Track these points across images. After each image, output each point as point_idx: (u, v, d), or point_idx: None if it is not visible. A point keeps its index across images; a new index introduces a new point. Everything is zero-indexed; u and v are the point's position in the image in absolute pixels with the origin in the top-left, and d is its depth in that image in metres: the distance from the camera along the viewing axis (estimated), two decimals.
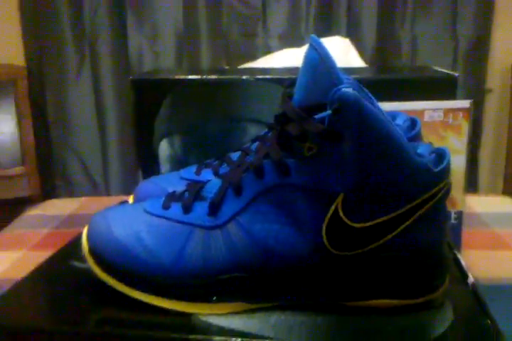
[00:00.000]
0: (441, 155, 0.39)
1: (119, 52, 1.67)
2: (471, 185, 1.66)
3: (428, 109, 0.58)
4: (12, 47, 1.69)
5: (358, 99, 0.34)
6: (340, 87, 0.35)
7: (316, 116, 0.35)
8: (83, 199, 0.98)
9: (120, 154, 1.70)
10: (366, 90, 0.42)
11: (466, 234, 0.65)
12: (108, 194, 1.71)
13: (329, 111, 0.35)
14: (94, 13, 1.63)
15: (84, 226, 0.42)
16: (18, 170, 1.68)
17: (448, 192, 0.39)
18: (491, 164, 1.73)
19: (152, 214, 0.40)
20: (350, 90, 0.34)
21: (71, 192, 1.73)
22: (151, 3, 1.61)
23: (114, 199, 0.71)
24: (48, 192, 1.72)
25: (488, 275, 0.68)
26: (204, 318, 0.37)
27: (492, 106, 1.69)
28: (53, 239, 0.76)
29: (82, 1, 1.61)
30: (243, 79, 0.62)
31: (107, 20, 1.64)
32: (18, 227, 0.84)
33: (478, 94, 1.65)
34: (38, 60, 1.68)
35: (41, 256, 0.50)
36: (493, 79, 1.67)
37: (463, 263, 0.46)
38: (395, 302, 0.38)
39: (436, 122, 0.59)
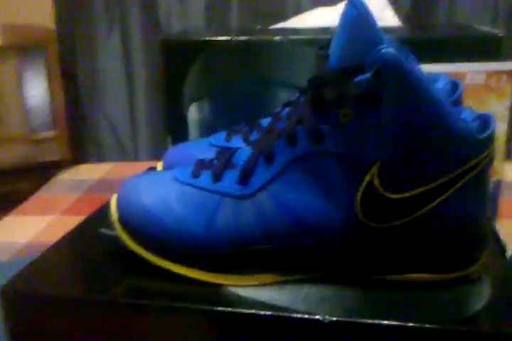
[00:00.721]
0: (486, 121, 0.36)
1: (148, 14, 1.63)
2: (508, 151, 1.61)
3: (470, 71, 0.55)
4: (42, 10, 1.67)
5: (400, 60, 0.32)
6: (380, 47, 0.32)
7: (355, 80, 0.33)
8: (113, 164, 0.98)
9: (150, 118, 1.68)
10: (408, 51, 0.39)
11: (504, 203, 0.62)
12: (136, 158, 1.71)
13: (368, 74, 0.32)
14: None
15: (113, 192, 0.42)
16: (49, 133, 1.69)
17: (491, 161, 0.36)
18: None
19: (182, 183, 0.39)
20: (391, 51, 0.32)
21: (101, 156, 1.73)
22: None
23: (143, 165, 0.71)
24: (78, 156, 1.73)
25: None
26: (233, 290, 0.37)
27: None
28: (84, 204, 0.76)
29: None
30: (275, 40, 0.59)
31: None
32: (48, 192, 0.84)
33: None
34: (68, 23, 1.67)
35: (72, 220, 0.50)
36: None
37: (501, 235, 0.44)
38: (431, 276, 0.37)
39: (478, 85, 0.56)
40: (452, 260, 0.37)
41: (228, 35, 0.60)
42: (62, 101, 1.68)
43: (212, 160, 0.40)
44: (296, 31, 0.69)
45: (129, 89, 1.68)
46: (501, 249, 0.42)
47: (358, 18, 0.34)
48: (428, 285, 0.37)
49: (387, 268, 0.37)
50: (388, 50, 0.32)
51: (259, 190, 0.36)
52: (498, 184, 0.62)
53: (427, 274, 0.37)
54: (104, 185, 0.85)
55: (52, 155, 1.69)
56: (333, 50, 0.36)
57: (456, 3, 1.54)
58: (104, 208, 0.47)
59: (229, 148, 0.43)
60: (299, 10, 1.52)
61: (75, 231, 0.47)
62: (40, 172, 1.51)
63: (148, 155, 1.69)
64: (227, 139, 0.49)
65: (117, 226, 0.39)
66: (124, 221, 0.39)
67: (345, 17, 0.35)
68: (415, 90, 0.32)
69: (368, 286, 0.37)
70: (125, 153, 1.73)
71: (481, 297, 0.36)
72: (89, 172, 0.95)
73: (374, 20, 0.34)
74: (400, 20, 1.02)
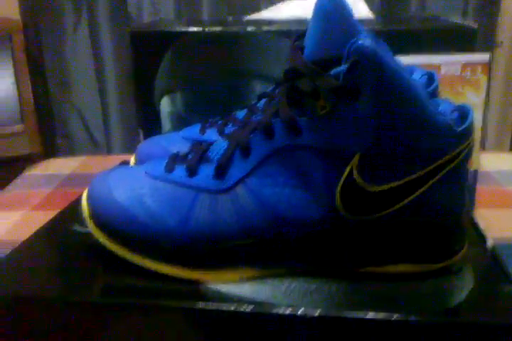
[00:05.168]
0: (464, 113, 0.36)
1: (117, 4, 1.60)
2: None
3: (445, 63, 0.55)
4: (6, 0, 1.63)
5: (377, 52, 0.31)
6: (357, 38, 0.32)
7: (331, 72, 0.32)
8: (84, 158, 0.96)
9: (121, 111, 1.65)
10: (384, 43, 0.39)
11: (480, 193, 0.63)
12: (109, 151, 1.68)
13: (345, 66, 0.32)
14: None
15: (85, 186, 0.40)
16: (18, 127, 1.64)
17: (470, 152, 0.36)
18: (498, 120, 1.70)
19: (155, 177, 0.38)
20: (368, 42, 0.31)
21: (72, 150, 1.70)
22: None
23: (115, 159, 0.69)
24: (48, 150, 1.69)
25: (503, 234, 0.67)
26: (212, 286, 0.36)
27: (501, 60, 1.64)
28: (55, 199, 0.74)
29: None
30: (248, 31, 0.58)
31: None
32: (18, 187, 0.82)
33: (487, 47, 1.59)
34: (33, 13, 1.62)
35: (43, 215, 0.49)
36: (504, 32, 1.61)
37: (481, 225, 0.44)
38: (413, 267, 0.37)
39: (454, 77, 0.56)
40: (433, 251, 0.37)
41: (200, 26, 0.59)
42: (30, 94, 1.64)
43: (187, 154, 0.39)
44: (269, 22, 0.68)
45: (99, 81, 1.65)
46: (481, 239, 0.43)
47: (333, 9, 0.33)
48: (410, 277, 0.37)
49: (368, 260, 0.37)
50: (365, 41, 0.31)
51: (236, 184, 0.36)
52: (475, 174, 0.62)
53: (409, 265, 0.37)
54: (75, 180, 0.83)
55: (22, 149, 1.65)
56: (308, 42, 0.36)
57: None
58: (76, 203, 0.45)
59: (203, 141, 0.42)
60: (271, 2, 1.51)
61: (47, 228, 0.46)
62: (9, 166, 1.47)
63: (121, 148, 1.66)
64: (202, 132, 0.48)
65: (89, 222, 0.38)
66: (96, 217, 0.38)
67: (319, 8, 0.35)
68: (393, 82, 0.32)
69: (350, 279, 0.37)
70: (97, 147, 1.70)
71: (463, 288, 0.36)
72: (59, 166, 0.92)
73: (350, 11, 0.34)
74: (372, 13, 1.02)
